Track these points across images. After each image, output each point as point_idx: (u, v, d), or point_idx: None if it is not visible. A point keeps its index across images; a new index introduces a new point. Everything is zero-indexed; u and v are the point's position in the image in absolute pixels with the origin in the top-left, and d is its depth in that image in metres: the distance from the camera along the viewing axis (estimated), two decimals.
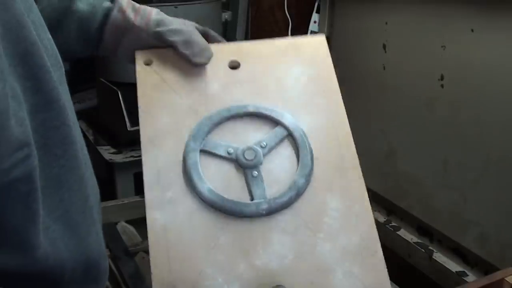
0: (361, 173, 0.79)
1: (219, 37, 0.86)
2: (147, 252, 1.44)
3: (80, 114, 0.74)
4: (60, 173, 0.61)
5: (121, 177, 1.72)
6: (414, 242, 1.59)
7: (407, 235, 1.63)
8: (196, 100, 0.80)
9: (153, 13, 0.84)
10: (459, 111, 1.43)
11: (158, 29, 0.82)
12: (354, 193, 0.78)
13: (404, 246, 1.61)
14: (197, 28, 0.84)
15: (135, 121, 1.80)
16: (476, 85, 1.38)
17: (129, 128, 1.75)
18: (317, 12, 1.96)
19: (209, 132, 0.77)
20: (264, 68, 0.86)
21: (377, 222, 1.76)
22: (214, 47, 0.84)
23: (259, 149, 0.76)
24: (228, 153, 0.76)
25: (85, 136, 1.92)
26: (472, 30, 1.36)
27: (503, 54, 1.30)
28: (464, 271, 1.46)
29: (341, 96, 0.86)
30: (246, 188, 0.74)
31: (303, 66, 0.87)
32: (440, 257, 1.52)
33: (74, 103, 0.68)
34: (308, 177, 0.75)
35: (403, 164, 1.64)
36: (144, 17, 0.83)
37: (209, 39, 0.84)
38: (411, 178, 1.61)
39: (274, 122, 0.79)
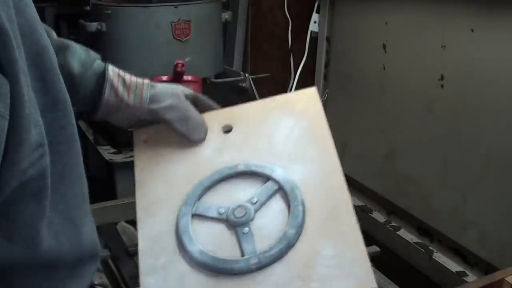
0: (355, 219, 0.76)
1: (209, 100, 0.90)
2: None
3: (80, 114, 0.78)
4: (64, 169, 0.63)
5: (121, 177, 1.72)
6: (414, 242, 1.59)
7: (407, 235, 1.63)
8: (189, 168, 0.83)
9: (145, 87, 0.84)
10: (459, 111, 1.43)
11: (152, 107, 0.84)
12: (348, 240, 0.74)
13: (404, 246, 1.61)
14: (187, 96, 0.87)
15: None
16: (476, 85, 1.38)
17: (129, 128, 1.75)
18: (317, 12, 1.96)
19: (200, 196, 0.80)
20: (255, 128, 0.88)
21: (377, 222, 1.77)
22: (207, 116, 0.88)
23: (250, 206, 0.78)
24: (219, 213, 0.78)
25: (85, 136, 1.92)
26: (472, 30, 1.36)
27: (503, 54, 1.30)
28: (464, 271, 1.46)
29: (334, 145, 0.84)
30: (238, 246, 0.75)
31: (295, 119, 0.87)
32: (440, 257, 1.52)
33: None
34: (299, 228, 0.74)
35: (403, 164, 1.64)
36: (137, 95, 0.84)
37: (199, 103, 0.88)
38: (411, 178, 1.61)
39: (265, 177, 0.81)
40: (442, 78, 1.46)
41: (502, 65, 1.31)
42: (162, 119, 0.84)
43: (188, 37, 1.88)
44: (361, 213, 1.76)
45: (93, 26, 1.86)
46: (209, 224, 0.78)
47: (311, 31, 2.00)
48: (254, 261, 0.72)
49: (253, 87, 2.03)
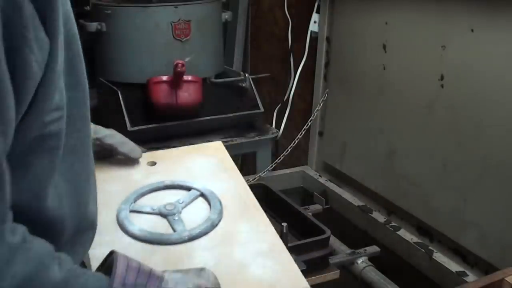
0: (261, 209, 1.05)
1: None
2: None
3: None
4: (76, 144, 0.73)
5: None
6: (414, 242, 1.59)
7: (407, 235, 1.63)
8: (122, 186, 1.06)
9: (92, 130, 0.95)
10: (459, 111, 1.43)
11: (96, 136, 1.03)
12: (259, 221, 1.02)
13: (404, 246, 1.61)
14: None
15: (135, 121, 1.80)
16: (476, 85, 1.38)
17: (129, 128, 1.75)
18: (317, 12, 1.96)
19: (135, 200, 1.03)
20: (175, 162, 1.15)
21: (377, 222, 1.77)
22: None
23: (178, 204, 1.01)
24: (152, 209, 1.01)
25: None
26: (472, 30, 1.36)
27: (503, 54, 1.30)
28: (464, 271, 1.46)
29: (239, 172, 1.13)
30: (170, 228, 0.97)
31: (207, 157, 1.17)
32: (440, 257, 1.52)
33: None
34: (220, 214, 1.00)
35: (403, 164, 1.64)
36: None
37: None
38: (411, 178, 1.61)
39: (188, 188, 1.06)
40: (442, 78, 1.46)
41: (502, 65, 1.31)
42: (106, 144, 1.05)
43: (188, 37, 1.88)
44: (361, 213, 1.76)
45: (93, 26, 1.86)
46: (144, 216, 1.00)
47: (311, 31, 2.00)
48: (185, 234, 0.95)
49: (253, 87, 2.03)
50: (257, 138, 1.96)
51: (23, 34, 0.60)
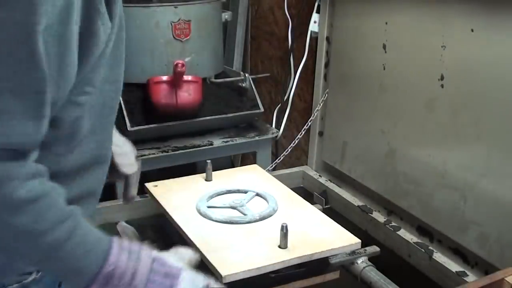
0: (304, 200, 1.48)
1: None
2: None
3: None
4: (99, 124, 0.89)
5: None
6: (414, 242, 1.59)
7: (407, 235, 1.63)
8: (192, 193, 1.50)
9: None
10: (459, 111, 1.43)
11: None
12: (304, 207, 1.45)
13: (404, 246, 1.61)
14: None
15: (135, 121, 1.80)
16: (476, 85, 1.38)
17: (129, 128, 1.75)
18: (317, 12, 1.96)
19: (207, 200, 1.43)
20: (226, 179, 1.61)
21: (377, 222, 1.77)
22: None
23: (242, 200, 1.42)
24: (223, 204, 1.41)
25: None
26: (472, 30, 1.36)
27: (503, 54, 1.30)
28: (464, 271, 1.46)
29: (278, 180, 1.60)
30: (241, 215, 1.37)
31: (249, 173, 1.67)
32: (440, 257, 1.52)
33: None
34: (276, 204, 1.42)
35: (403, 164, 1.64)
36: None
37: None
38: (411, 178, 1.61)
39: (245, 191, 1.48)
40: (442, 78, 1.46)
41: (502, 65, 1.31)
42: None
43: (188, 37, 1.88)
44: (361, 213, 1.76)
45: None
46: (218, 210, 1.39)
47: (311, 31, 2.00)
48: (256, 216, 1.35)
49: (253, 87, 2.03)
50: (257, 138, 1.96)
51: (97, 7, 0.75)
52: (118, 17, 0.81)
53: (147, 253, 0.82)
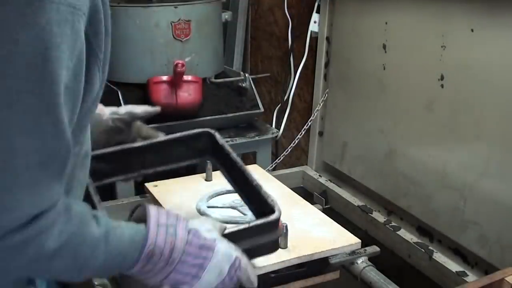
0: (304, 200, 1.48)
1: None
2: None
3: None
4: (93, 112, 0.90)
5: None
6: (414, 242, 1.59)
7: (407, 235, 1.63)
8: (192, 193, 1.49)
9: None
10: (459, 111, 1.43)
11: (111, 111, 1.18)
12: (304, 206, 1.44)
13: (404, 246, 1.61)
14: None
15: None
16: (476, 85, 1.38)
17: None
18: (317, 12, 1.96)
19: (207, 200, 1.42)
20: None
21: (377, 222, 1.77)
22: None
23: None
24: (223, 204, 1.41)
25: None
26: (472, 30, 1.36)
27: (503, 54, 1.30)
28: (464, 271, 1.46)
29: (278, 181, 1.60)
30: (241, 215, 1.37)
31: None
32: (440, 257, 1.52)
33: None
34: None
35: (403, 164, 1.64)
36: None
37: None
38: (411, 178, 1.61)
39: None
40: (442, 78, 1.46)
41: (502, 65, 1.31)
42: (123, 114, 1.18)
43: (188, 37, 1.88)
44: (361, 213, 1.76)
45: None
46: (218, 209, 1.38)
47: (311, 31, 2.00)
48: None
49: (253, 87, 2.03)
50: (257, 138, 1.96)
51: (101, 20, 0.78)
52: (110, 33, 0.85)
53: (183, 225, 0.87)
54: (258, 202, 1.05)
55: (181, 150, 1.19)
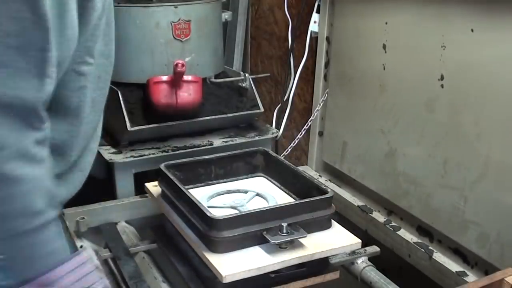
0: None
1: None
2: (147, 252, 1.44)
3: None
4: (97, 96, 0.96)
5: (121, 177, 1.72)
6: (414, 242, 1.59)
7: (407, 235, 1.63)
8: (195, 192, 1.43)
9: None
10: (459, 111, 1.43)
11: None
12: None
13: (404, 246, 1.61)
14: None
15: (135, 121, 1.80)
16: (476, 85, 1.38)
17: (129, 128, 1.75)
18: (317, 12, 1.96)
19: (208, 200, 1.40)
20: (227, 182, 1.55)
21: (377, 222, 1.77)
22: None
23: (242, 200, 1.38)
24: (224, 204, 1.38)
25: None
26: (472, 30, 1.36)
27: (503, 54, 1.30)
28: (464, 271, 1.46)
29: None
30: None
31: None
32: (440, 257, 1.52)
33: None
34: (277, 203, 1.35)
35: (403, 164, 1.64)
36: None
37: None
38: (411, 178, 1.61)
39: (245, 191, 1.44)
40: (442, 78, 1.46)
41: (502, 65, 1.31)
42: None
43: (188, 37, 1.88)
44: (361, 213, 1.76)
45: None
46: (218, 209, 1.35)
47: (311, 31, 2.00)
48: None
49: (253, 87, 2.02)
50: (257, 138, 1.96)
51: None
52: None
53: None
54: (313, 191, 1.28)
55: (239, 165, 1.49)
